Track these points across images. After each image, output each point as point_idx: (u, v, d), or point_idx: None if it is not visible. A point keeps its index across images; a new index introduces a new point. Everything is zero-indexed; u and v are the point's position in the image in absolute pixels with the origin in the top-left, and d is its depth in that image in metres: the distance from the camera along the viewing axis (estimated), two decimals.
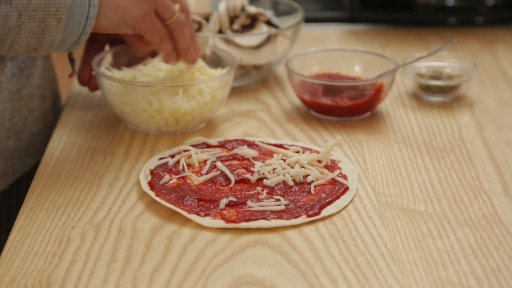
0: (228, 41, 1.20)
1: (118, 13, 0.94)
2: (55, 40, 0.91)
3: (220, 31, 1.23)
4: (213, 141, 1.04)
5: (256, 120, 1.14)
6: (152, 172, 0.97)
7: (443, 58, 1.25)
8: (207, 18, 1.24)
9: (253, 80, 1.25)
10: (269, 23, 1.25)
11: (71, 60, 1.06)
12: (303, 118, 1.14)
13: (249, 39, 1.21)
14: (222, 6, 1.24)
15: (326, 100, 1.13)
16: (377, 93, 1.13)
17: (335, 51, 1.25)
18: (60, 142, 1.07)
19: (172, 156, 1.00)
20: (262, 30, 1.23)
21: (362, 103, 1.13)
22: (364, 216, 0.90)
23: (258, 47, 1.22)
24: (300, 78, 1.15)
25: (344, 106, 1.12)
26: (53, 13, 0.89)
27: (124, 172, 0.99)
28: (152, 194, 0.92)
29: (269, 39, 1.22)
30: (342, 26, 1.53)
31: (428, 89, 1.20)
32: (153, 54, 1.13)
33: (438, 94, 1.20)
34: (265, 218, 0.88)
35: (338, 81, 1.15)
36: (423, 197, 0.94)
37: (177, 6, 1.00)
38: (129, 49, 1.12)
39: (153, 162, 0.99)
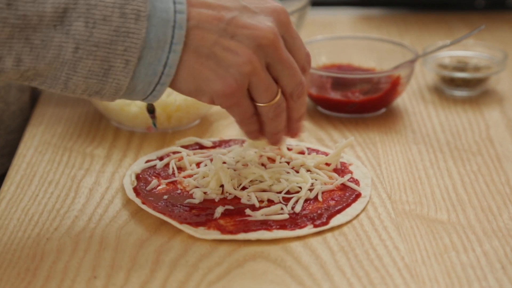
0: None
1: (197, 81, 0.84)
2: (122, 86, 0.83)
3: None
4: (207, 141, 1.05)
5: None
6: (138, 177, 0.98)
7: (469, 47, 1.26)
8: None
9: None
10: None
11: (150, 112, 0.99)
12: (309, 115, 1.15)
13: None
14: None
15: (335, 95, 1.14)
16: (394, 86, 1.13)
17: (346, 39, 1.26)
18: (33, 142, 1.08)
19: (161, 159, 1.01)
20: None
21: (377, 98, 1.13)
22: (379, 226, 0.91)
23: None
24: None
25: (356, 102, 1.13)
26: (119, 53, 0.81)
27: (106, 176, 1.00)
28: (138, 201, 0.93)
29: None
30: (354, 10, 1.54)
31: (452, 82, 1.21)
32: None
33: (463, 87, 1.21)
34: (266, 229, 0.89)
35: (349, 73, 1.16)
36: (446, 205, 0.95)
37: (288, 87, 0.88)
38: None
39: (139, 165, 1.00)
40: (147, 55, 0.82)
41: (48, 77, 0.81)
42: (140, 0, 0.81)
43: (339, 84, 1.14)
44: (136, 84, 0.83)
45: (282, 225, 0.89)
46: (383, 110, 1.16)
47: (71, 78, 0.82)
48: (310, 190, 0.94)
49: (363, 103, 1.13)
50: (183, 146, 1.03)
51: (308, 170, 0.98)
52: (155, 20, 0.81)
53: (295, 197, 0.93)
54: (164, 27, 0.82)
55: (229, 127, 1.11)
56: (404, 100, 1.20)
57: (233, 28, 0.83)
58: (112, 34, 0.80)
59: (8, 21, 0.78)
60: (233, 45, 0.83)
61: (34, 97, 1.18)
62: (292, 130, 0.92)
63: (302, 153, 1.02)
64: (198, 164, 1.00)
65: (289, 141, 1.06)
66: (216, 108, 1.16)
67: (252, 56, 0.83)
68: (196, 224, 0.89)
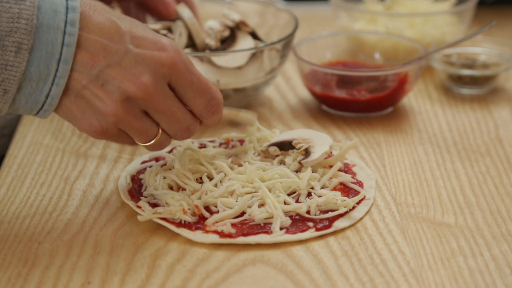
0: (203, 59, 1.11)
1: (68, 117, 0.87)
2: (1, 110, 0.84)
3: (193, 44, 1.15)
4: (205, 141, 1.06)
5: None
6: (133, 178, 0.98)
7: (477, 43, 1.26)
8: (170, 29, 1.16)
9: (233, 106, 1.13)
10: (253, 35, 1.16)
11: None
12: (312, 115, 1.16)
13: (230, 59, 1.12)
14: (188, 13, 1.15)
15: (340, 93, 1.14)
16: (401, 84, 1.14)
17: (351, 35, 1.26)
18: (24, 142, 1.08)
19: (157, 160, 1.02)
20: (245, 44, 1.15)
21: (383, 97, 1.14)
22: (383, 229, 0.91)
23: (240, 67, 1.12)
24: (310, 67, 1.16)
25: (361, 100, 1.13)
26: None
27: (100, 177, 1.01)
28: (132, 204, 0.94)
29: (254, 55, 1.13)
30: None
31: (460, 80, 1.21)
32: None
33: (472, 85, 1.21)
34: (267, 232, 0.89)
35: (354, 71, 1.16)
36: (453, 208, 0.95)
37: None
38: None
39: (134, 166, 1.00)
40: (27, 86, 0.83)
41: None
42: (24, 32, 0.81)
43: (344, 82, 1.14)
44: (18, 108, 0.85)
45: (282, 228, 0.89)
46: (389, 109, 1.16)
47: None
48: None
49: (369, 102, 1.13)
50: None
51: None
52: (38, 53, 0.82)
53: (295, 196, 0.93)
54: (48, 60, 0.82)
55: (227, 127, 1.11)
56: (409, 98, 1.20)
57: (105, 76, 0.84)
58: None
59: None
60: (102, 93, 0.85)
61: None
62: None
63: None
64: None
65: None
66: None
67: (118, 109, 0.85)
68: (194, 228, 0.89)
